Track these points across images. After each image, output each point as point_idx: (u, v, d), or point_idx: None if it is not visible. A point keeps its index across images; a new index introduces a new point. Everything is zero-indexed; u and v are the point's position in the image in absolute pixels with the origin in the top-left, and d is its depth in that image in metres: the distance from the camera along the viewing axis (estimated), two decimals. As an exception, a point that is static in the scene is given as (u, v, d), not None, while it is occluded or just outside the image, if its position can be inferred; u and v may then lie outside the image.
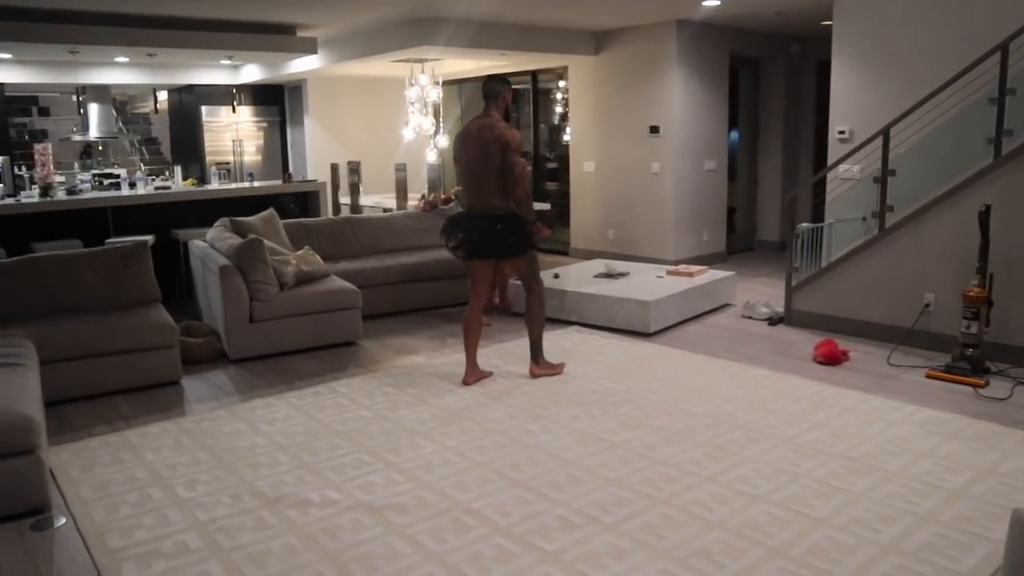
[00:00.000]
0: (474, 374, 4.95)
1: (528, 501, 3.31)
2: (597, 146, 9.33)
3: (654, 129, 8.60)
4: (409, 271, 6.89)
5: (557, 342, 5.80)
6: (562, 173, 10.27)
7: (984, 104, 5.22)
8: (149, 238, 6.99)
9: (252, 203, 8.00)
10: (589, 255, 9.49)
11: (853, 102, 6.62)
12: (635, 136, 8.84)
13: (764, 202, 10.00)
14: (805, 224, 6.29)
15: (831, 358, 5.15)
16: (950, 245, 5.24)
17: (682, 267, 6.84)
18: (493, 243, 4.75)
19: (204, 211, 7.76)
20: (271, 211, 6.82)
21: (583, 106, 9.48)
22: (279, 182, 8.71)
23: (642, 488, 3.40)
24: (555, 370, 5.07)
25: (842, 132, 6.74)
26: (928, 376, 4.86)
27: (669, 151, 8.52)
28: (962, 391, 4.60)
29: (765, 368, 5.10)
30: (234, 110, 11.70)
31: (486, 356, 5.48)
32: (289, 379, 5.18)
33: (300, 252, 6.18)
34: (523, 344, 5.76)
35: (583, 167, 9.57)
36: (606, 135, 9.20)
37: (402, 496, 3.41)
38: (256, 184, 8.56)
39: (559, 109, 10.44)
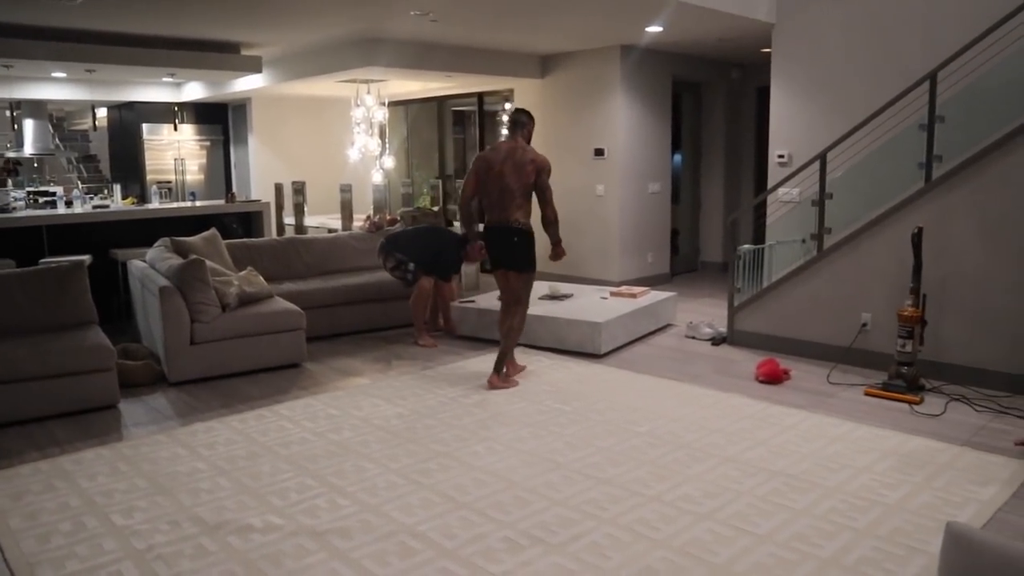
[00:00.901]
0: (515, 368, 5.41)
1: (474, 523, 3.30)
2: (543, 168, 9.38)
3: (599, 152, 8.71)
4: (354, 292, 6.84)
5: (503, 363, 5.81)
6: (508, 194, 10.29)
7: (915, 130, 5.40)
8: (86, 258, 6.82)
9: (194, 223, 7.87)
10: (538, 276, 9.52)
11: (791, 127, 6.81)
12: (580, 159, 8.94)
13: (707, 224, 10.18)
14: (747, 246, 6.42)
15: (773, 377, 5.24)
16: (885, 266, 5.40)
17: (625, 288, 6.90)
18: (509, 254, 5.10)
19: (144, 231, 7.61)
20: (213, 231, 6.71)
21: (529, 128, 9.54)
22: (222, 202, 8.58)
23: (587, 508, 3.40)
24: (511, 384, 5.22)
25: (781, 156, 6.92)
26: (866, 394, 4.98)
27: (614, 174, 8.63)
28: (898, 408, 4.72)
29: (709, 387, 5.17)
30: (176, 128, 11.53)
31: (431, 379, 5.46)
32: (231, 402, 5.08)
33: (243, 273, 6.09)
34: (469, 366, 5.76)
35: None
36: (551, 158, 9.21)
37: (346, 520, 3.36)
38: (198, 204, 8.42)
39: (504, 131, 10.49)
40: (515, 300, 5.21)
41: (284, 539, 3.21)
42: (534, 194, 5.08)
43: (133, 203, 8.72)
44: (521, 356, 5.96)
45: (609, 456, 3.99)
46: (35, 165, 13.48)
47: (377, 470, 3.89)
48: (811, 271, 5.80)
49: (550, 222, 5.09)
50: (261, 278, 6.14)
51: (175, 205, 8.39)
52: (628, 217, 8.75)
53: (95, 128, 13.31)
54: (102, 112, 12.69)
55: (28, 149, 11.63)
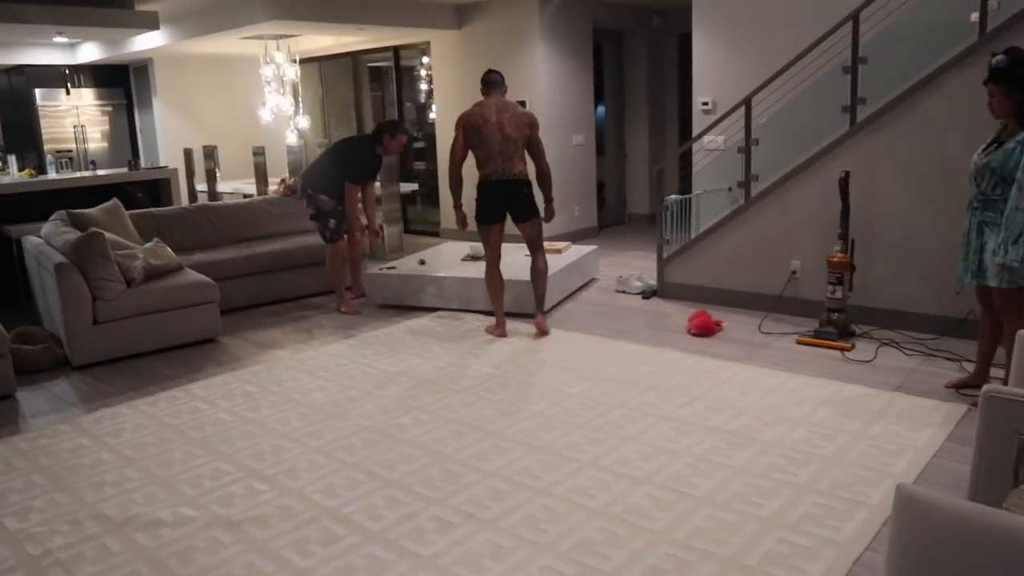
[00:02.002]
0: (503, 325, 5.36)
1: (401, 502, 3.11)
2: (464, 123, 9.11)
3: (520, 103, 8.44)
4: (270, 260, 6.51)
5: (430, 327, 5.60)
6: (429, 152, 10.02)
7: (839, 73, 5.31)
8: (-27, 236, 6.33)
9: (97, 194, 7.37)
10: (459, 235, 9.29)
11: (715, 73, 6.67)
12: (502, 112, 8.66)
13: (633, 176, 10.06)
14: (673, 196, 6.30)
15: (705, 329, 5.16)
16: (813, 212, 5.34)
17: (548, 244, 6.72)
18: (522, 205, 5.15)
19: (41, 204, 7.09)
20: (115, 202, 6.28)
21: (447, 82, 9.24)
22: (125, 170, 8.08)
23: (520, 479, 3.25)
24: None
25: (705, 103, 6.79)
26: (798, 342, 4.94)
27: (537, 126, 8.38)
28: (830, 355, 4.69)
29: (640, 343, 5.06)
30: (68, 92, 10.77)
31: (355, 347, 5.23)
32: (141, 384, 4.77)
33: (148, 245, 5.71)
34: (395, 332, 5.53)
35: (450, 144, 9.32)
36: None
37: (264, 507, 3.14)
38: (99, 172, 7.91)
39: (424, 86, 10.16)
40: (534, 247, 5.32)
41: (196, 532, 2.97)
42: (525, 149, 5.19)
43: (31, 175, 8.16)
44: (446, 321, 5.76)
45: (541, 421, 3.84)
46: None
47: (298, 449, 3.66)
48: (739, 220, 5.72)
49: (546, 176, 5.28)
50: (169, 250, 5.78)
51: (74, 175, 7.85)
52: (552, 170, 8.52)
53: None
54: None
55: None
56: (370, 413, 4.06)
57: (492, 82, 5.22)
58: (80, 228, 5.70)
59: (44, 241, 5.75)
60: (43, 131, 10.68)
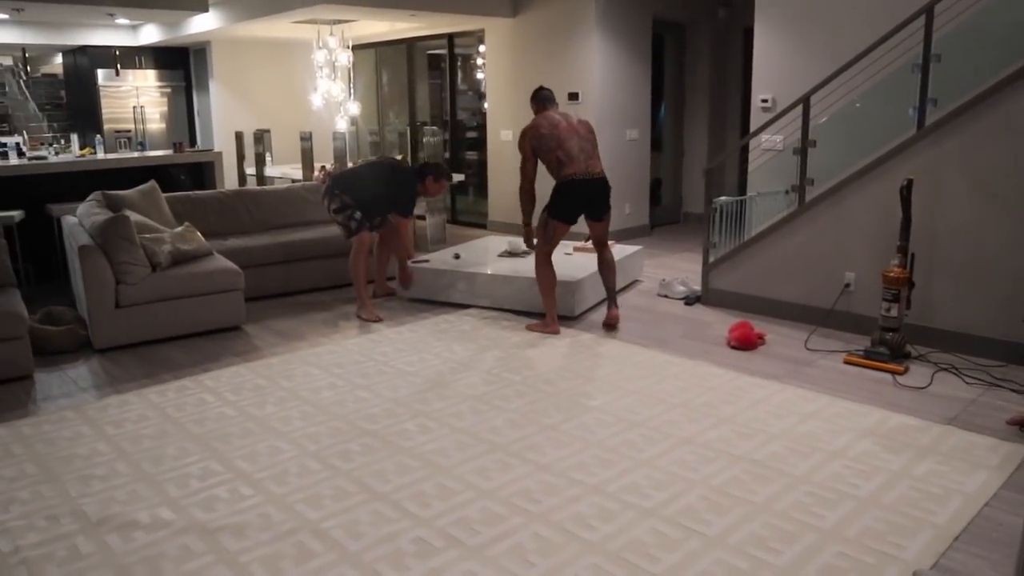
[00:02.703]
0: (556, 321, 5.26)
1: (387, 519, 2.89)
2: (514, 114, 8.87)
3: (573, 96, 8.17)
4: (305, 247, 6.37)
5: (457, 325, 5.38)
6: (481, 142, 9.79)
7: (908, 72, 4.89)
8: (16, 214, 6.34)
9: (146, 174, 7.36)
10: (507, 229, 9.07)
11: (776, 69, 6.28)
12: (555, 104, 8.39)
13: (690, 173, 9.66)
14: (724, 198, 5.94)
15: (745, 342, 4.82)
16: (871, 222, 4.94)
17: (589, 243, 6.42)
18: (603, 204, 5.19)
19: (88, 184, 7.08)
20: (152, 184, 6.23)
21: (500, 72, 9.00)
22: (170, 152, 8.05)
23: (518, 501, 2.99)
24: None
25: (765, 101, 6.41)
26: (845, 362, 4.56)
27: (589, 119, 8.07)
28: (880, 379, 4.31)
29: (675, 354, 4.74)
30: (117, 73, 10.77)
31: (375, 342, 5.04)
32: (156, 371, 4.66)
33: (178, 229, 5.62)
34: (420, 329, 5.32)
35: (500, 136, 9.10)
36: (523, 102, 8.73)
37: (244, 514, 2.95)
38: (141, 154, 7.89)
39: (479, 75, 9.93)
40: (602, 244, 5.35)
41: (170, 538, 2.81)
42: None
43: (90, 154, 8.20)
44: (476, 320, 5.53)
45: (553, 436, 3.58)
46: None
47: (292, 452, 3.47)
48: (791, 226, 5.34)
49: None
50: (198, 234, 5.67)
51: (112, 156, 7.82)
52: (604, 164, 8.22)
53: (33, 73, 12.49)
54: (59, 59, 12.05)
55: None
56: (375, 416, 3.85)
57: (546, 98, 5.24)
58: (114, 209, 5.65)
59: (78, 222, 5.71)
60: (103, 111, 10.80)
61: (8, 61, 11.74)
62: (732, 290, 5.72)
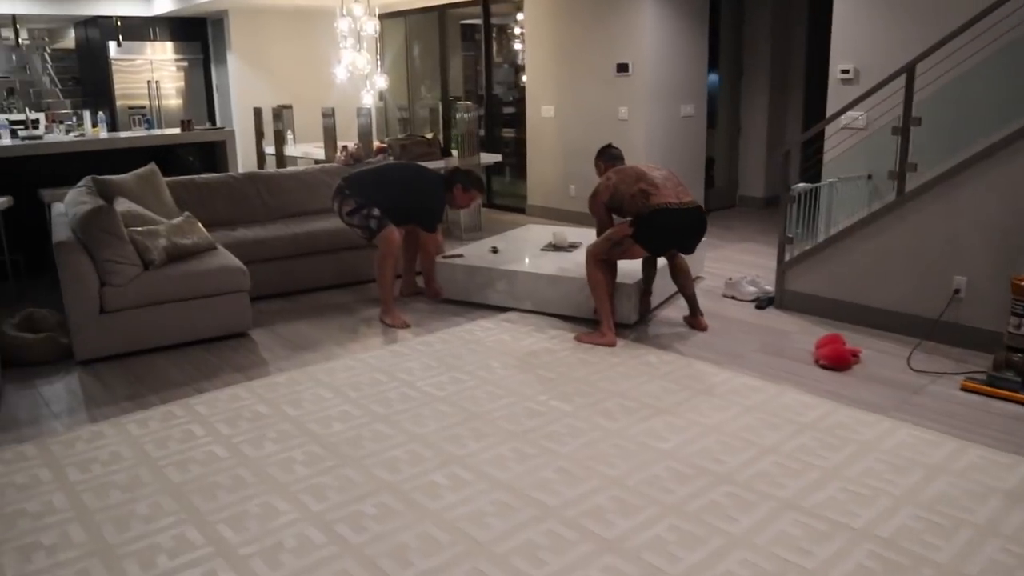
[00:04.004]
0: (613, 331, 4.53)
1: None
2: (556, 88, 8.07)
3: (622, 68, 7.34)
4: (323, 239, 5.66)
5: (495, 334, 4.64)
6: (519, 119, 9.00)
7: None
8: (3, 200, 5.69)
9: (150, 155, 6.71)
10: (548, 213, 8.30)
11: (860, 35, 5.42)
12: (600, 76, 7.58)
13: (747, 153, 8.80)
14: (802, 185, 5.13)
15: (838, 361, 4.03)
16: (991, 216, 4.10)
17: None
18: (696, 238, 4.57)
19: (87, 167, 6.43)
20: (151, 167, 5.55)
21: (541, 42, 8.18)
22: (177, 130, 7.37)
23: (579, 605, 2.26)
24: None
25: (846, 71, 5.55)
26: (963, 388, 3.76)
27: (639, 94, 7.28)
28: (1011, 412, 3.51)
29: (754, 375, 3.97)
30: (119, 44, 10.02)
31: (402, 356, 4.32)
32: (141, 392, 3.99)
33: (177, 220, 4.93)
34: (452, 338, 4.59)
35: (541, 112, 8.30)
36: (566, 76, 7.93)
37: (220, 616, 2.26)
38: (143, 134, 7.21)
39: (517, 46, 9.12)
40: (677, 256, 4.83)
41: (120, 652, 2.12)
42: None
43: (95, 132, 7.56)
44: (518, 328, 4.79)
45: (618, 497, 2.83)
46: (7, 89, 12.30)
47: (290, 515, 2.77)
48: (888, 219, 4.52)
49: None
50: (200, 226, 4.98)
51: (107, 136, 7.15)
52: (656, 144, 7.41)
53: (29, 48, 11.88)
54: (72, 31, 11.43)
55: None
56: (396, 462, 3.14)
57: (615, 156, 4.93)
58: (105, 196, 4.98)
59: (64, 211, 5.05)
60: (116, 87, 10.16)
61: (28, 39, 11.16)
62: (813, 293, 4.92)
